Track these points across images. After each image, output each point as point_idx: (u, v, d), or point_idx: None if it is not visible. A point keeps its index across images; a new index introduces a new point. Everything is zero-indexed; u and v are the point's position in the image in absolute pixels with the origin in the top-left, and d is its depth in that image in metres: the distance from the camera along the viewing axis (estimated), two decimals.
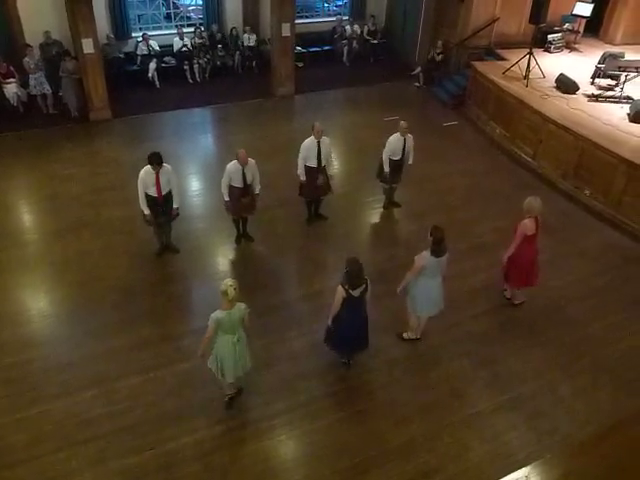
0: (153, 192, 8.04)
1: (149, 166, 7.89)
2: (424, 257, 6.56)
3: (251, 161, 8.40)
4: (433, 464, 5.97)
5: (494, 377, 6.97)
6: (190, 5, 16.75)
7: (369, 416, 6.45)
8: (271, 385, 6.73)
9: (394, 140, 9.34)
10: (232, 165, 8.32)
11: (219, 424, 6.28)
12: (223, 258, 9.01)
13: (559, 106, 11.51)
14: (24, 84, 12.89)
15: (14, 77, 12.71)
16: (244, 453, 6.01)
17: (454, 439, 6.22)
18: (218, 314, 5.73)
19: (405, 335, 7.42)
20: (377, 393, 6.73)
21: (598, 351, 7.40)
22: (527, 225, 7.26)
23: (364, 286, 6.28)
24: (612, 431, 6.26)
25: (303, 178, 9.09)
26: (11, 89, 12.71)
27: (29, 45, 12.76)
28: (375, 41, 17.22)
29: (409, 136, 9.40)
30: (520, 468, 5.68)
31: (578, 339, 7.59)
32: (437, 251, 6.52)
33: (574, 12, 14.36)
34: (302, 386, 6.78)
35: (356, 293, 6.22)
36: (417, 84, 15.73)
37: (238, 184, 8.42)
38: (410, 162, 9.61)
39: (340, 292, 6.19)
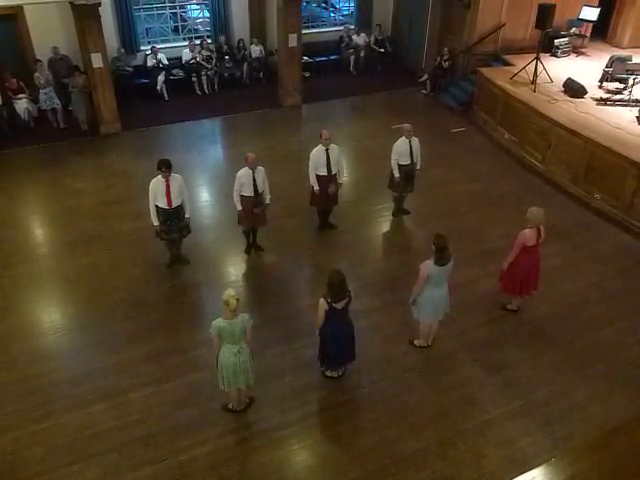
0: (164, 203, 8.06)
1: (159, 175, 7.95)
2: (428, 266, 6.55)
3: (260, 168, 8.44)
4: (447, 472, 5.92)
5: (507, 383, 6.93)
6: (197, 18, 16.89)
7: (382, 424, 6.41)
8: (283, 394, 6.71)
9: (400, 144, 9.36)
10: (242, 171, 8.36)
11: (231, 434, 6.28)
12: (233, 268, 9.03)
13: (567, 110, 11.48)
14: (34, 99, 13.02)
15: (24, 92, 12.88)
16: (257, 463, 5.99)
17: (468, 446, 6.18)
18: (219, 322, 5.72)
19: (416, 342, 7.40)
20: (389, 401, 6.69)
21: (612, 355, 7.34)
22: (527, 235, 7.19)
23: (347, 298, 6.25)
24: (616, 433, 6.22)
25: (317, 187, 9.10)
26: (22, 104, 12.86)
27: (39, 60, 12.91)
28: (382, 50, 17.25)
29: (414, 139, 9.41)
30: None
31: (591, 343, 7.52)
32: (441, 259, 6.51)
33: (580, 16, 14.36)
34: (314, 395, 6.77)
35: (339, 306, 6.17)
36: (424, 91, 15.73)
37: (249, 192, 8.43)
38: (418, 167, 9.61)
39: (322, 305, 6.14)
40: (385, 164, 9.77)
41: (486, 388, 6.87)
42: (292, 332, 7.61)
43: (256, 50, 15.85)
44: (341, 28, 17.40)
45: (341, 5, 18.14)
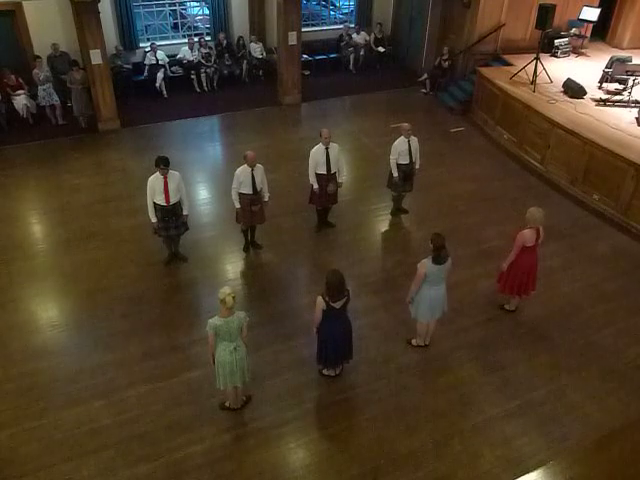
0: (161, 200, 8.06)
1: (157, 172, 7.95)
2: (426, 265, 6.56)
3: (259, 166, 8.44)
4: (443, 471, 5.93)
5: (503, 383, 6.93)
6: (197, 15, 16.87)
7: (378, 423, 6.42)
8: (279, 393, 6.72)
9: (399, 143, 9.37)
10: (241, 169, 8.35)
11: (228, 432, 6.28)
12: (231, 266, 9.02)
13: (567, 111, 11.48)
14: (33, 95, 13.00)
15: (23, 89, 12.86)
16: (253, 461, 5.99)
17: (464, 446, 6.19)
18: (216, 320, 5.73)
19: (413, 342, 7.40)
20: (386, 400, 6.70)
21: (608, 357, 7.35)
22: (526, 236, 7.19)
23: (346, 298, 6.25)
24: (615, 436, 6.24)
25: (316, 186, 9.10)
26: (20, 101, 12.84)
27: (38, 57, 12.88)
28: (381, 49, 17.22)
29: (413, 138, 9.41)
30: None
31: (588, 345, 7.53)
32: (438, 258, 6.52)
33: (581, 17, 14.37)
34: (311, 393, 6.78)
35: (337, 305, 6.18)
36: (424, 90, 15.72)
37: (248, 190, 8.43)
38: (417, 166, 9.61)
39: (320, 303, 6.14)
40: (384, 163, 9.78)
41: (483, 388, 6.88)
42: (290, 330, 7.61)
43: (256, 48, 15.84)
44: (341, 27, 17.35)
45: (341, 3, 18.12)
